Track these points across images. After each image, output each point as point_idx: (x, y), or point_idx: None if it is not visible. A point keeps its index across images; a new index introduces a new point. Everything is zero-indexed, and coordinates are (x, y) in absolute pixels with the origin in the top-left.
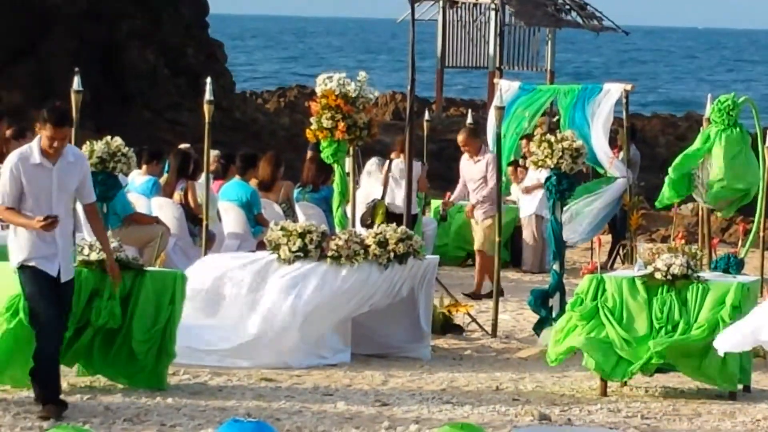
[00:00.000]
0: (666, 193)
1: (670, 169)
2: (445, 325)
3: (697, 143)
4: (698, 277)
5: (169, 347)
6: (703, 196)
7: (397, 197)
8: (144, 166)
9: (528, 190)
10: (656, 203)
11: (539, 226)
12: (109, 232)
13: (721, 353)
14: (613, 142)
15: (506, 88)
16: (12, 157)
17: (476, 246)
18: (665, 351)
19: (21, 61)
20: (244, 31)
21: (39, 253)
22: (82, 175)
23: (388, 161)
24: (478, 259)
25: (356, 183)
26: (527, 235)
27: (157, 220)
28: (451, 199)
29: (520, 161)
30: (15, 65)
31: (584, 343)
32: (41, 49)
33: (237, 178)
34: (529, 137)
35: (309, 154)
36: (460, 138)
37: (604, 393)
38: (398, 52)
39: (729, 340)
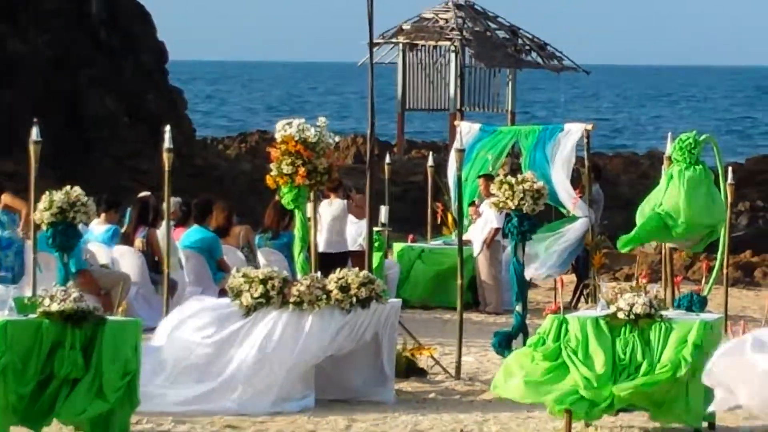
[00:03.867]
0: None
1: (638, 216)
2: (409, 369)
3: (662, 184)
4: (661, 316)
5: (134, 395)
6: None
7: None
8: (103, 215)
9: (488, 245)
10: (619, 245)
11: (494, 263)
12: (70, 282)
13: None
14: (576, 182)
15: (467, 130)
16: None
17: None
18: (628, 396)
19: None
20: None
21: None
22: None
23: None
24: None
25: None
26: (485, 275)
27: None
28: None
29: (476, 201)
30: None
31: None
32: (3, 98)
33: (196, 225)
34: (486, 177)
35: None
36: None
37: None
38: (359, 96)
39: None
